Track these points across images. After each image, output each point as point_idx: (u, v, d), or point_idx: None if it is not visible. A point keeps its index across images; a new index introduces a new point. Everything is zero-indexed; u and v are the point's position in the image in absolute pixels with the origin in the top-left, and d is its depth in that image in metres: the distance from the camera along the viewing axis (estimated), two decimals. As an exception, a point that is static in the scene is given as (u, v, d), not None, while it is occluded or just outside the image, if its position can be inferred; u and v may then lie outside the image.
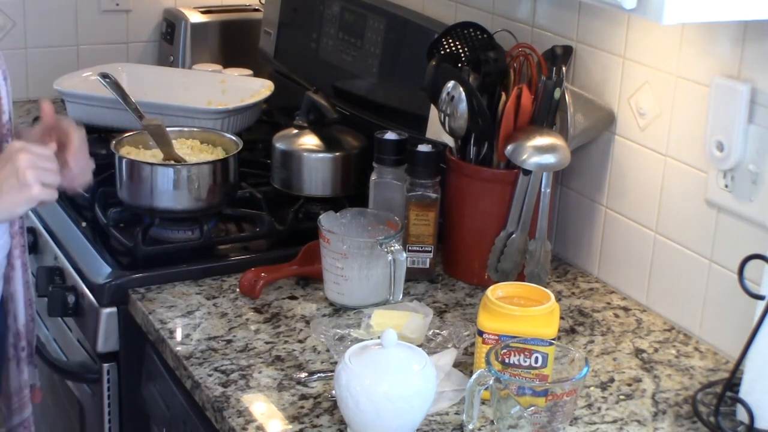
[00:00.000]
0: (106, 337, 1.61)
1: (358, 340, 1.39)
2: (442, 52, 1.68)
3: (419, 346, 1.32)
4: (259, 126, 2.20)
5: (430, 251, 1.66)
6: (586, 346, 1.49)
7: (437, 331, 1.48)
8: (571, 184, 1.74)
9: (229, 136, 1.91)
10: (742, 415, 1.29)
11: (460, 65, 1.66)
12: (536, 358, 1.25)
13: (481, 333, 1.30)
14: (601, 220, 1.68)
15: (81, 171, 1.46)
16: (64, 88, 2.15)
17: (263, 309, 1.55)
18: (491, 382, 1.20)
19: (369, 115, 2.00)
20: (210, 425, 1.35)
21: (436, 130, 1.71)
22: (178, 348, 1.44)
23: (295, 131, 1.91)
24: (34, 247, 1.88)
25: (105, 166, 1.90)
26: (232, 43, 2.52)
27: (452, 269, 1.68)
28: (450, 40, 1.69)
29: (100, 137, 2.12)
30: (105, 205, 1.81)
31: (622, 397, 1.37)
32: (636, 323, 1.56)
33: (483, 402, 1.28)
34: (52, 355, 1.80)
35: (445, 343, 1.45)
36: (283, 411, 1.30)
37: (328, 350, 1.44)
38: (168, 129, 1.87)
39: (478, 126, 1.59)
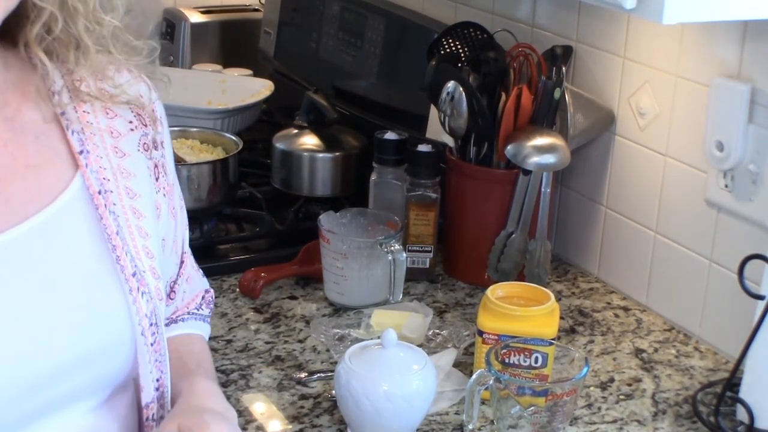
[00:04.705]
0: (106, 337, 1.61)
1: (358, 340, 1.39)
2: (442, 52, 1.68)
3: (419, 346, 1.32)
4: (259, 126, 2.20)
5: (430, 251, 1.66)
6: (586, 346, 1.49)
7: (437, 331, 1.48)
8: (571, 184, 1.74)
9: (229, 136, 1.91)
10: (742, 415, 1.29)
11: (460, 65, 1.66)
12: (536, 358, 1.25)
13: (481, 333, 1.30)
14: (601, 220, 1.68)
15: None
16: (64, 88, 2.14)
17: (263, 309, 1.55)
18: (491, 382, 1.20)
19: (369, 115, 2.00)
20: (210, 425, 1.35)
21: (436, 130, 1.71)
22: (178, 348, 1.44)
23: (295, 131, 1.91)
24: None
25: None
26: (232, 43, 2.52)
27: (452, 269, 1.68)
28: (450, 40, 1.69)
29: (100, 137, 2.13)
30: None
31: (622, 397, 1.37)
32: (636, 323, 1.56)
33: (483, 402, 1.28)
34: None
35: (445, 343, 1.45)
36: (283, 411, 1.30)
37: (328, 350, 1.44)
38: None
39: (478, 126, 1.59)
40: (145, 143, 1.03)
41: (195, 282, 1.21)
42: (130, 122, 1.02)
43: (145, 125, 1.04)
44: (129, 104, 1.01)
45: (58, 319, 0.92)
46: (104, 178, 0.97)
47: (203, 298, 1.23)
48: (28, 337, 0.91)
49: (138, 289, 0.97)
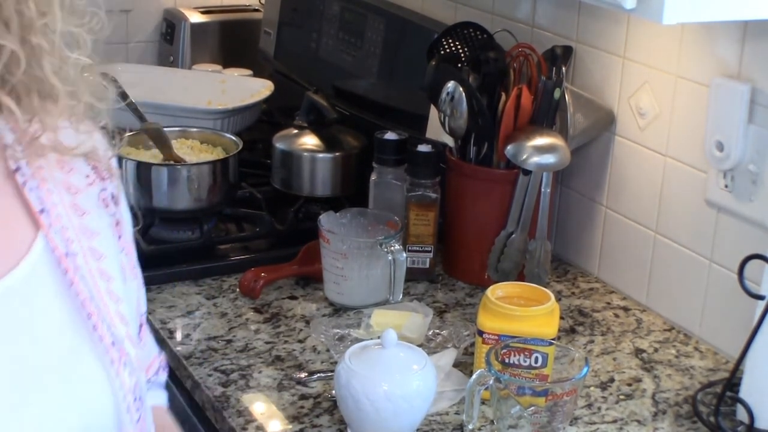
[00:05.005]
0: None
1: (358, 340, 1.39)
2: (442, 52, 1.68)
3: (419, 346, 1.32)
4: (259, 126, 2.20)
5: (430, 251, 1.66)
6: (586, 346, 1.49)
7: (437, 331, 1.48)
8: (571, 184, 1.74)
9: (229, 136, 1.91)
10: (742, 415, 1.29)
11: (460, 65, 1.66)
12: (536, 358, 1.25)
13: (481, 333, 1.30)
14: (601, 220, 1.68)
15: None
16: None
17: (263, 309, 1.55)
18: (491, 382, 1.20)
19: (369, 115, 2.00)
20: (210, 425, 1.35)
21: (436, 130, 1.71)
22: (178, 348, 1.44)
23: (295, 131, 1.91)
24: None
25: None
26: (232, 43, 2.52)
27: (452, 269, 1.68)
28: (450, 40, 1.69)
29: (100, 137, 2.12)
30: (105, 205, 1.81)
31: (622, 397, 1.37)
32: (636, 323, 1.56)
33: (483, 402, 1.28)
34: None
35: (445, 343, 1.45)
36: (283, 411, 1.30)
37: (328, 350, 1.44)
38: (167, 129, 1.87)
39: (478, 126, 1.59)
40: (104, 198, 0.93)
41: (150, 346, 1.08)
42: (87, 176, 0.91)
43: (103, 179, 0.92)
44: (86, 156, 0.90)
45: (31, 401, 0.80)
46: (68, 239, 0.86)
47: (159, 362, 1.10)
48: None
49: (120, 359, 0.86)
